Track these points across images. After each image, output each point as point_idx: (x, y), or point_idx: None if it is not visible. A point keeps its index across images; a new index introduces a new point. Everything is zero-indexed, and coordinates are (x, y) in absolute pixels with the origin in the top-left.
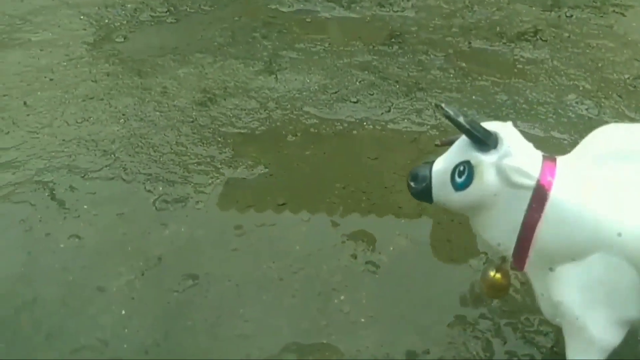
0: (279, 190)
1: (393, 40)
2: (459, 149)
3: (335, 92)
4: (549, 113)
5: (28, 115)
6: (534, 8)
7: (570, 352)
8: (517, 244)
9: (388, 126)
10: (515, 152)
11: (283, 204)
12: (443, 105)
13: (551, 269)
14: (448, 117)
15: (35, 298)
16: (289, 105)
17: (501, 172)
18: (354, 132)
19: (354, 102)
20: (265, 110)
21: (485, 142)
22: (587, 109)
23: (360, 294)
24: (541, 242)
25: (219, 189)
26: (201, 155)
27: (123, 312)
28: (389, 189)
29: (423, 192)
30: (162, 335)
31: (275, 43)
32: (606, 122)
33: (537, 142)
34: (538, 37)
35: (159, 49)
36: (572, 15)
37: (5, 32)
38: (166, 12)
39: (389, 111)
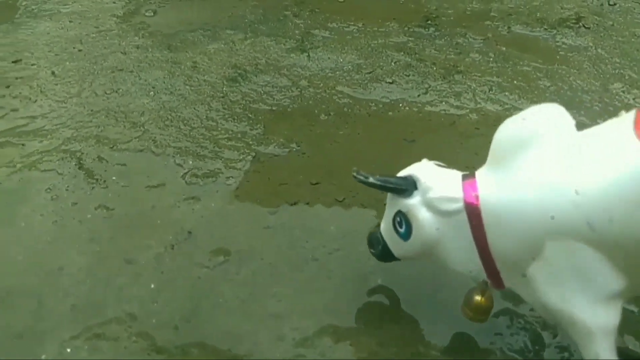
0: (312, 169)
1: (429, 22)
2: (390, 203)
3: (370, 73)
4: (594, 101)
5: (56, 84)
6: None
7: (581, 350)
8: (483, 264)
9: (425, 108)
10: (434, 184)
11: (317, 183)
12: (354, 173)
13: (523, 276)
14: (360, 181)
15: (61, 267)
16: (321, 84)
17: (430, 206)
18: (390, 113)
19: (389, 83)
20: (297, 89)
21: (402, 189)
22: (634, 99)
23: (397, 279)
24: (498, 254)
25: (251, 166)
26: (232, 131)
27: (152, 285)
28: None
29: (384, 254)
30: (191, 311)
31: (307, 22)
32: None
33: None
34: (581, 24)
35: (189, 24)
36: (615, 4)
37: (35, 3)
38: None
39: (426, 93)
